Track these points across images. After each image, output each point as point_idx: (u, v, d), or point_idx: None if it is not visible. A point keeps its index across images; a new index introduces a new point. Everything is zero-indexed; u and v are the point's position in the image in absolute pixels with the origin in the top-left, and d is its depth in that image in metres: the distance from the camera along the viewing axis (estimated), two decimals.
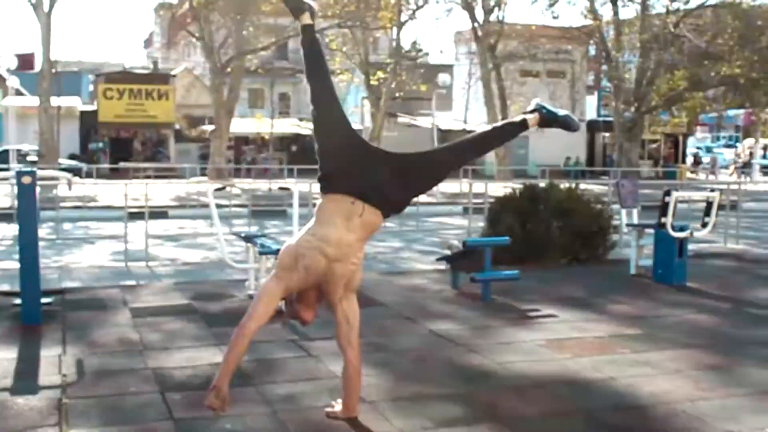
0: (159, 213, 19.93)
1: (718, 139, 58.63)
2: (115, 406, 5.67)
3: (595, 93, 48.92)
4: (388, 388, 6.13)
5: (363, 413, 5.46)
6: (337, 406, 5.51)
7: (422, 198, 24.78)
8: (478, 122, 40.63)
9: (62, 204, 22.55)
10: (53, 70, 32.05)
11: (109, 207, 21.74)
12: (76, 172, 29.91)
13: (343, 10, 33.18)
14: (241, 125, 40.19)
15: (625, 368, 6.70)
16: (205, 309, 8.78)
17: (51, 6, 29.37)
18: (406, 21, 36.16)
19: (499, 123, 6.05)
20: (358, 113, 43.63)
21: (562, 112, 5.59)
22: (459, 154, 5.68)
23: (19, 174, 7.74)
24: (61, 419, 5.38)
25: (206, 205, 18.09)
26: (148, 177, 29.84)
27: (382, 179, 5.21)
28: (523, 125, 5.53)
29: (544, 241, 11.59)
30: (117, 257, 13.34)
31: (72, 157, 36.42)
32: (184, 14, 37.46)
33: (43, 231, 16.62)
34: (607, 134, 46.10)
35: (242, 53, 31.85)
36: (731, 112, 50.85)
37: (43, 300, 8.31)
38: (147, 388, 6.07)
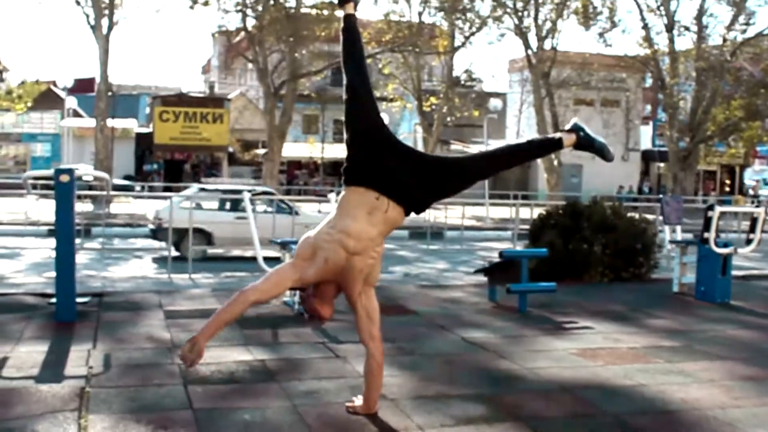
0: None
1: None
2: (136, 396, 5.68)
3: (650, 123, 48.41)
4: (411, 388, 6.05)
5: (383, 409, 5.39)
6: (358, 401, 5.45)
7: (470, 222, 24.73)
8: None
9: (113, 220, 23.12)
10: (110, 93, 32.67)
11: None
12: (129, 190, 30.46)
13: (396, 35, 33.36)
14: (293, 149, 40.55)
15: (657, 376, 6.53)
16: None
17: (109, 28, 29.99)
18: (459, 47, 36.20)
19: (537, 138, 5.96)
20: (411, 139, 43.73)
21: (599, 139, 5.48)
22: (491, 162, 5.58)
23: (58, 172, 7.85)
24: (81, 405, 5.40)
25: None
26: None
27: (409, 177, 5.15)
28: (558, 144, 5.43)
29: (586, 259, 11.42)
30: (161, 269, 13.46)
31: (127, 177, 37.04)
32: (240, 39, 38.01)
33: (92, 245, 16.96)
34: (662, 164, 45.52)
35: (295, 77, 32.09)
36: None
37: (79, 300, 8.40)
38: (170, 381, 6.08)
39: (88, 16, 29.86)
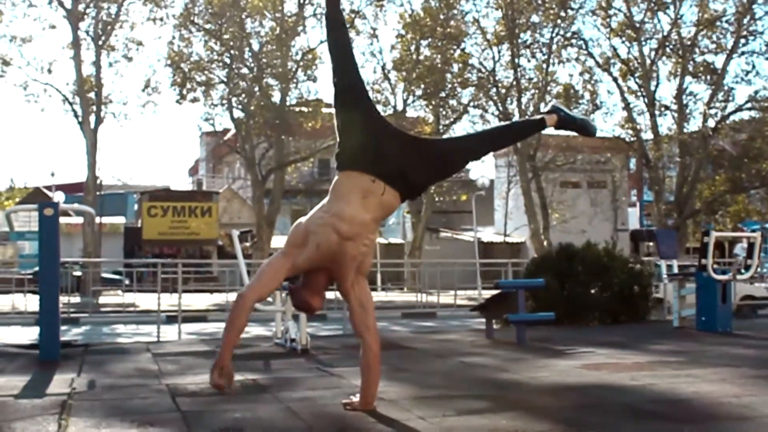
0: (197, 317, 19.84)
1: (765, 251, 57.67)
2: (120, 405, 5.39)
3: (637, 204, 48.61)
4: (411, 392, 5.77)
5: (382, 407, 5.11)
6: (355, 399, 5.19)
7: (463, 302, 24.49)
8: (520, 231, 40.44)
9: (102, 310, 22.78)
10: (99, 192, 32.66)
11: (146, 311, 21.64)
12: (118, 284, 30.09)
13: None
14: (283, 242, 40.37)
15: (665, 378, 6.28)
16: None
17: (97, 123, 30.18)
18: (443, 132, 36.56)
19: (521, 120, 5.88)
20: (400, 229, 43.76)
21: (579, 115, 5.43)
22: (482, 142, 5.49)
23: (42, 206, 7.68)
24: (62, 412, 5.12)
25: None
26: (190, 291, 29.80)
27: (405, 161, 5.01)
28: (541, 124, 5.35)
29: (582, 302, 11.19)
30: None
31: (116, 273, 36.66)
32: (228, 138, 38.37)
33: (80, 329, 16.64)
34: (650, 243, 45.47)
35: (282, 165, 32.26)
36: None
37: (63, 339, 8.13)
38: (157, 395, 5.79)
39: (76, 112, 30.10)
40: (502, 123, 6.74)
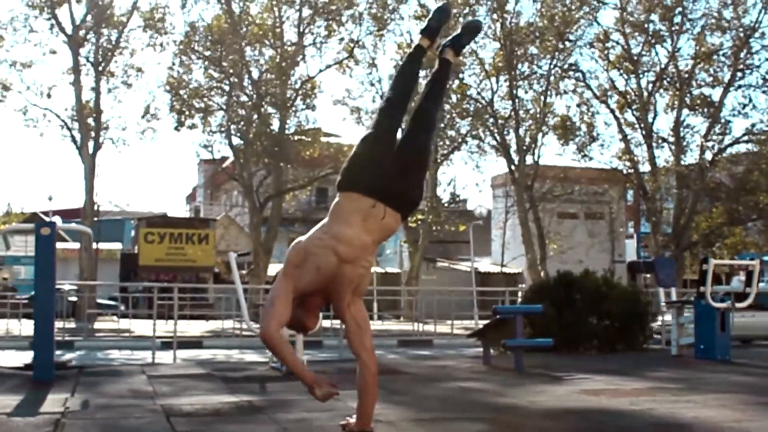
0: (193, 343, 19.67)
1: (762, 281, 57.62)
2: (115, 425, 5.34)
3: (634, 236, 48.60)
4: (409, 416, 5.72)
5: (379, 429, 5.07)
6: (352, 420, 5.13)
7: (460, 331, 24.39)
8: (517, 261, 40.37)
9: (97, 334, 22.63)
10: (95, 218, 32.58)
11: (141, 337, 21.49)
12: (113, 309, 29.97)
13: None
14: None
15: (665, 404, 6.22)
16: (225, 375, 8.44)
17: (95, 148, 30.18)
18: (441, 161, 36.59)
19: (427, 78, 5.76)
20: (397, 258, 43.68)
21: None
22: (423, 118, 5.26)
23: (39, 225, 7.64)
24: (55, 430, 5.05)
25: (240, 335, 17.99)
26: (186, 317, 29.64)
27: (406, 180, 4.98)
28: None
29: (580, 330, 11.13)
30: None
31: (112, 298, 36.51)
32: (226, 166, 38.41)
33: (74, 354, 16.49)
34: (648, 275, 45.45)
35: (280, 192, 32.25)
36: None
37: (58, 360, 8.06)
38: (151, 416, 5.72)
39: (74, 137, 30.11)
40: (424, 99, 6.45)
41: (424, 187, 5.19)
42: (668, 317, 10.94)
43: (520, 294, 14.52)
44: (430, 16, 5.34)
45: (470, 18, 5.48)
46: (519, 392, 6.96)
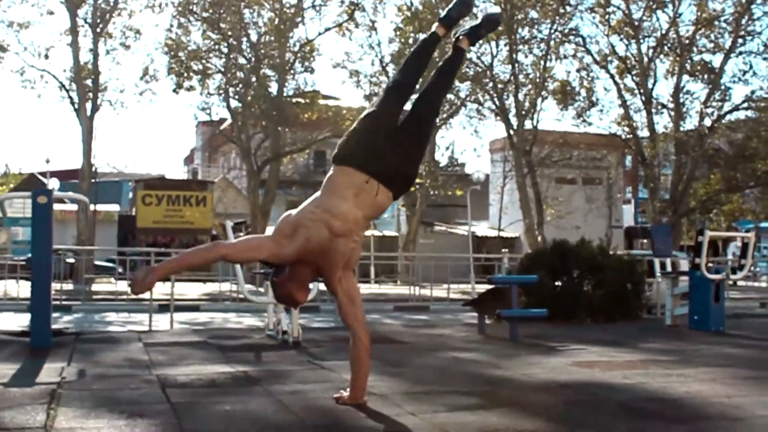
0: (190, 307, 19.76)
1: (758, 249, 57.69)
2: (110, 395, 5.36)
3: (632, 201, 48.68)
4: (402, 387, 5.75)
5: (372, 402, 5.10)
6: (346, 393, 5.17)
7: (456, 296, 24.50)
8: (514, 226, 40.44)
9: (95, 297, 22.71)
10: (93, 180, 32.53)
11: (139, 300, 21.54)
12: (110, 272, 30.02)
13: None
14: None
15: (657, 377, 6.27)
16: (221, 343, 8.48)
17: (93, 110, 30.06)
18: (440, 125, 36.48)
19: (439, 63, 5.72)
20: (394, 222, 43.70)
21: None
22: (428, 103, 5.31)
23: (35, 193, 7.64)
24: (52, 401, 5.09)
25: (236, 300, 18.06)
26: (183, 280, 29.69)
27: (402, 160, 4.99)
28: (459, 53, 5.33)
29: (575, 299, 11.17)
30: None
31: (109, 261, 36.56)
32: (224, 128, 38.28)
33: (71, 316, 16.55)
34: (644, 241, 45.57)
35: (278, 156, 32.20)
36: None
37: (55, 327, 8.10)
38: (146, 386, 5.76)
39: (72, 99, 30.00)
40: (432, 80, 6.42)
41: (419, 169, 5.17)
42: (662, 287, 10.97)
43: (506, 260, 14.51)
44: (451, 5, 5.30)
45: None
46: (513, 364, 7.00)
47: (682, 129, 34.80)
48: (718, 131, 34.51)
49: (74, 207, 33.16)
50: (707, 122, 34.42)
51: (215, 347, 8.06)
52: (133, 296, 21.34)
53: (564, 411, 4.96)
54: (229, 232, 8.94)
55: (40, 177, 43.25)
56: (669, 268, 10.66)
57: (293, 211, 4.95)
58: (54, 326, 8.24)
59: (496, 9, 31.18)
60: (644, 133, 36.03)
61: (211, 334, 9.28)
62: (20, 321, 14.52)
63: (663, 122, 36.60)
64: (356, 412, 4.85)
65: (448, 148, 41.85)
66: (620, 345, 8.60)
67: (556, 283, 11.27)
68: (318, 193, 4.98)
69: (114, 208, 42.98)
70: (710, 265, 9.96)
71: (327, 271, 4.87)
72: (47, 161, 37.24)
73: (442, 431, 4.41)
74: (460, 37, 5.31)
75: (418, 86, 5.52)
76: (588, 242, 11.81)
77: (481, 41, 33.97)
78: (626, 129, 36.30)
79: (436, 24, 5.33)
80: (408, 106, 5.21)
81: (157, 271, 4.59)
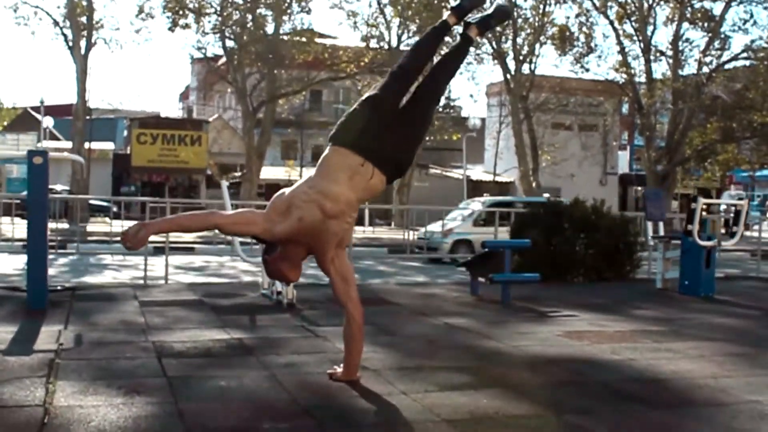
0: (185, 248, 19.90)
1: (752, 198, 57.84)
2: (107, 366, 5.46)
3: (628, 148, 48.65)
4: (393, 361, 5.86)
5: (365, 378, 5.20)
6: (339, 369, 5.26)
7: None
8: (510, 173, 40.47)
9: (89, 238, 22.77)
10: (87, 117, 32.36)
11: None
12: (105, 211, 30.06)
13: (375, 57, 33.42)
14: (272, 173, 40.34)
15: (645, 353, 6.37)
16: (216, 303, 8.58)
17: (87, 48, 29.81)
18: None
19: (445, 50, 5.68)
20: None
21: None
22: (430, 90, 5.25)
23: (31, 154, 7.63)
24: (50, 373, 5.17)
25: (231, 242, 18.09)
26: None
27: (399, 145, 5.00)
28: (467, 41, 5.30)
29: (568, 258, 11.28)
30: (137, 278, 13.13)
31: (104, 200, 36.56)
32: (219, 64, 37.97)
33: (67, 259, 16.64)
34: (639, 188, 45.68)
35: (274, 98, 32.04)
36: (766, 172, 50.20)
37: (51, 288, 8.17)
38: (143, 355, 5.86)
39: (66, 36, 29.71)
40: (434, 66, 6.41)
41: (415, 156, 5.18)
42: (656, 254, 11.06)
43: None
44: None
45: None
46: (503, 334, 7.10)
47: (680, 77, 34.64)
48: (716, 81, 34.32)
49: (69, 144, 33.04)
50: (705, 71, 34.25)
51: (210, 308, 8.15)
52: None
53: (551, 393, 5.05)
54: (224, 192, 8.98)
55: (33, 113, 43.04)
56: (661, 232, 10.73)
57: (287, 190, 4.98)
58: (50, 275, 8.24)
59: None
60: (642, 79, 35.87)
61: (206, 292, 9.36)
62: (16, 264, 14.68)
63: (661, 70, 36.46)
64: (349, 391, 4.95)
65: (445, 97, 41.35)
66: (611, 311, 8.70)
67: (550, 243, 11.33)
68: (312, 173, 5.00)
69: (109, 146, 42.84)
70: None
71: (319, 252, 4.92)
72: (41, 102, 36.87)
73: (433, 414, 4.49)
74: (470, 26, 5.26)
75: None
76: (582, 202, 11.86)
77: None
78: (624, 76, 36.11)
79: (447, 12, 5.30)
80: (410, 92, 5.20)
81: (149, 228, 4.65)
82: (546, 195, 19.31)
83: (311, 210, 4.75)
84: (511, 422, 4.40)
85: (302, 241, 4.84)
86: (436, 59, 5.52)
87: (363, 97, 5.11)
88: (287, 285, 7.04)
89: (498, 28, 33.34)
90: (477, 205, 21.23)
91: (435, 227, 16.79)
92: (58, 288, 8.74)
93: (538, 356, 6.17)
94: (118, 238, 14.16)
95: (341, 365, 5.26)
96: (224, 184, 9.14)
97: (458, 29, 5.44)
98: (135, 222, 4.87)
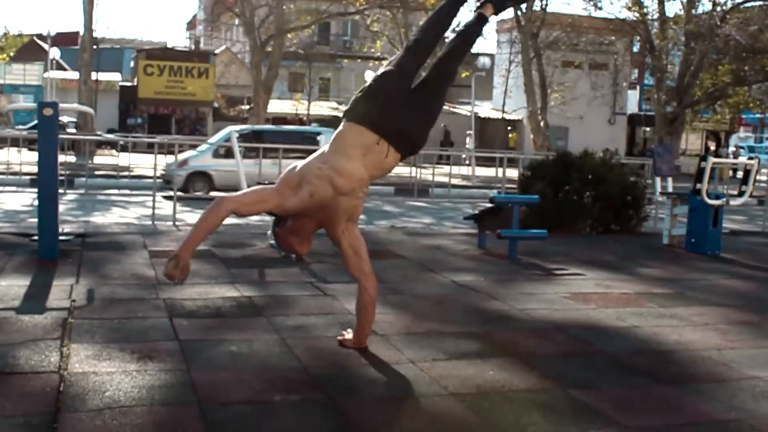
0: None
1: (761, 140, 57.51)
2: (120, 327, 5.53)
3: (637, 87, 48.27)
4: (402, 325, 5.93)
5: (373, 344, 5.29)
6: (348, 335, 5.34)
7: (457, 181, 24.63)
8: (518, 111, 40.25)
9: (96, 172, 22.83)
10: (94, 46, 32.10)
11: (141, 177, 21.62)
12: (112, 144, 30.05)
13: None
14: (279, 106, 40.23)
15: (650, 319, 6.45)
16: (225, 254, 8.65)
17: None
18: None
19: (459, 27, 5.66)
20: None
21: None
22: (444, 69, 5.17)
23: (41, 105, 7.63)
24: (63, 335, 5.26)
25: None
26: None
27: (414, 123, 4.97)
28: (482, 19, 5.25)
29: (575, 210, 11.31)
30: (145, 218, 13.23)
31: (110, 131, 36.59)
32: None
33: (74, 195, 16.71)
34: (648, 128, 45.47)
35: (282, 32, 31.73)
36: None
37: (61, 238, 8.23)
38: (155, 314, 5.94)
39: None
40: (450, 42, 6.38)
41: (431, 125, 5.15)
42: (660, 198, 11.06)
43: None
44: None
45: None
46: (510, 294, 7.18)
47: (693, 17, 34.14)
48: (730, 22, 33.84)
49: (76, 75, 32.84)
50: (719, 12, 33.76)
51: (220, 260, 8.22)
52: (135, 173, 21.48)
53: (556, 365, 5.13)
54: (234, 143, 8.97)
55: (39, 42, 42.70)
56: (670, 189, 10.73)
57: (299, 163, 4.97)
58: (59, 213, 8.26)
59: None
60: (655, 17, 35.40)
61: (215, 241, 9.41)
62: (24, 200, 14.78)
63: (674, 10, 35.92)
64: (358, 358, 5.04)
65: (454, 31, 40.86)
66: (617, 269, 8.76)
67: (558, 194, 11.35)
68: (325, 147, 5.00)
69: (115, 77, 42.61)
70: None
71: (330, 226, 4.94)
72: (48, 33, 36.54)
73: (440, 387, 4.57)
74: (486, 4, 5.21)
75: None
76: (591, 154, 11.85)
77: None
78: (637, 15, 35.60)
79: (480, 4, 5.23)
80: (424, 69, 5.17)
81: (183, 255, 4.57)
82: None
83: (323, 186, 4.75)
84: (516, 396, 4.49)
85: (313, 215, 4.87)
86: (450, 35, 5.48)
87: (378, 73, 5.08)
88: (298, 258, 7.05)
89: None
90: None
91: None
92: (69, 237, 8.79)
93: (544, 321, 6.25)
94: (125, 173, 14.24)
95: (350, 329, 5.34)
96: (234, 135, 9.12)
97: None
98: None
